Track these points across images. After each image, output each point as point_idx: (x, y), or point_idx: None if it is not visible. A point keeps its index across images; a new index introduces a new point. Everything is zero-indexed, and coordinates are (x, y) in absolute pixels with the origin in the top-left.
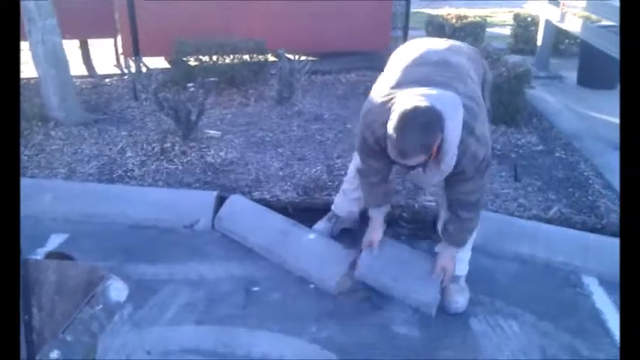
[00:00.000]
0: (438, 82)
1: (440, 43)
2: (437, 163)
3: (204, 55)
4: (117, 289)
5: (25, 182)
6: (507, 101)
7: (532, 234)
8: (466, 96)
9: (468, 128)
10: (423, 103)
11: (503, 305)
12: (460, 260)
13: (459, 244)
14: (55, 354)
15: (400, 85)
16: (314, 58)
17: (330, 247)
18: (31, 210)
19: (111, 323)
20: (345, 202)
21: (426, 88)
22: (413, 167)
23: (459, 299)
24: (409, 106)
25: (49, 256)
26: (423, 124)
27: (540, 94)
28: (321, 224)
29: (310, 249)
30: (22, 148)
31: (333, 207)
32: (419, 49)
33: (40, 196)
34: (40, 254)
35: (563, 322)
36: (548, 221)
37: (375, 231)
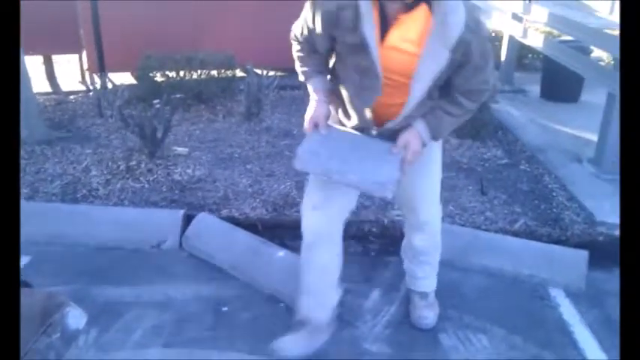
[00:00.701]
0: None
1: None
2: (441, 30)
3: (170, 71)
4: (75, 317)
5: None
6: (472, 115)
7: (499, 247)
8: None
9: (473, 23)
10: None
11: (472, 319)
12: (427, 276)
13: (435, 132)
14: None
15: None
16: (283, 73)
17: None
18: None
19: (68, 352)
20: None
21: None
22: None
23: (429, 315)
24: None
25: None
26: None
27: (505, 108)
28: (290, 342)
29: (280, 266)
30: None
31: (301, 312)
32: None
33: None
34: None
35: (532, 334)
36: (515, 234)
37: (320, 106)
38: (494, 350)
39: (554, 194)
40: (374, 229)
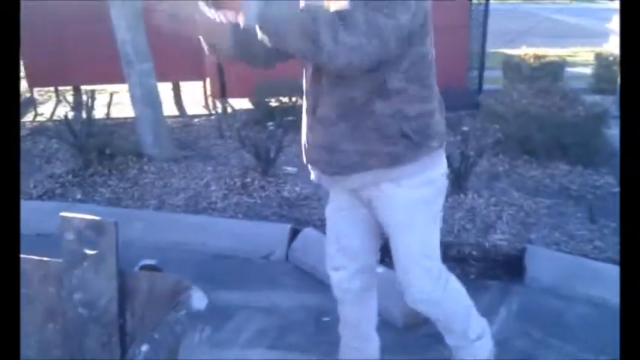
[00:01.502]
0: None
1: None
2: None
3: (284, 96)
4: (198, 298)
5: (119, 212)
6: (584, 141)
7: (606, 276)
8: None
9: None
10: None
11: (575, 350)
12: (461, 351)
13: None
14: (145, 347)
15: None
16: None
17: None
18: (124, 237)
19: (192, 329)
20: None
21: None
22: None
23: None
24: None
25: (143, 268)
26: None
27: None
28: None
29: (378, 282)
30: (117, 181)
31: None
32: None
33: (132, 224)
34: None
35: None
36: None
37: None
38: None
39: None
40: (474, 252)
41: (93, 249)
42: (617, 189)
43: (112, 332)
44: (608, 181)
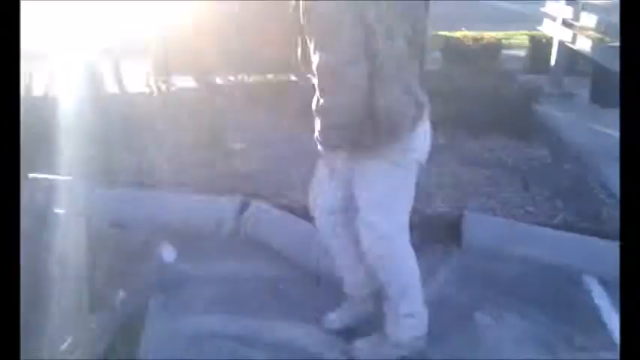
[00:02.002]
0: None
1: None
2: None
3: (229, 74)
4: (168, 251)
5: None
6: (518, 116)
7: (537, 238)
8: None
9: None
10: None
11: (507, 301)
12: (390, 320)
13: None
14: (121, 293)
15: None
16: None
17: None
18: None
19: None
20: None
21: None
22: None
23: (362, 347)
24: None
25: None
26: None
27: (552, 111)
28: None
29: None
30: None
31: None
32: None
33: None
34: None
35: (563, 315)
36: (554, 227)
37: None
38: (526, 329)
39: (594, 191)
40: (416, 219)
41: (61, 208)
42: (549, 160)
43: (81, 287)
44: (541, 153)
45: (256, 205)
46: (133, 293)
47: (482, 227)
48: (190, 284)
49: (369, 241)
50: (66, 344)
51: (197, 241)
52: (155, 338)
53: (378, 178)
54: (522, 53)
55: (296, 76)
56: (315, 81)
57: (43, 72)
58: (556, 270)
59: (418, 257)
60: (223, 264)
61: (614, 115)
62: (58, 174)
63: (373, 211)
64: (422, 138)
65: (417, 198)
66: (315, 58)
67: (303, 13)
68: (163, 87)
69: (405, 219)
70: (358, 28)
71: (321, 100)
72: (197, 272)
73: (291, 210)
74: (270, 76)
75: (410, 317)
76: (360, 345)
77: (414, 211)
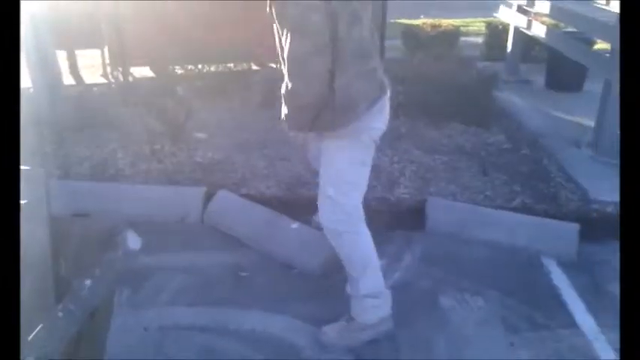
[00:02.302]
0: None
1: None
2: None
3: (189, 64)
4: (133, 239)
5: None
6: (477, 103)
7: (496, 221)
8: None
9: None
10: None
11: (470, 284)
12: (354, 302)
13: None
14: (88, 282)
15: None
16: None
17: (312, 234)
18: None
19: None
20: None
21: None
22: None
23: (330, 333)
24: None
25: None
26: None
27: (509, 97)
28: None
29: (293, 237)
30: None
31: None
32: None
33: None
34: None
35: (524, 297)
36: (513, 210)
37: None
38: (488, 310)
39: (552, 175)
40: (380, 206)
41: (23, 198)
42: (507, 145)
43: (46, 277)
44: (499, 139)
45: (221, 195)
46: (98, 283)
47: (444, 212)
48: (155, 276)
49: (327, 214)
50: (33, 335)
51: (162, 233)
52: (120, 331)
53: (337, 153)
54: (480, 40)
55: (258, 64)
56: (284, 68)
57: None
58: (516, 252)
59: (384, 243)
60: (188, 255)
61: (569, 100)
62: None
63: (331, 185)
64: (380, 117)
65: (380, 185)
66: (285, 47)
67: (273, 6)
68: (121, 77)
69: (360, 196)
70: (323, 16)
71: (289, 85)
72: (162, 264)
73: (256, 199)
74: (231, 65)
75: (373, 298)
76: (328, 330)
77: (379, 198)
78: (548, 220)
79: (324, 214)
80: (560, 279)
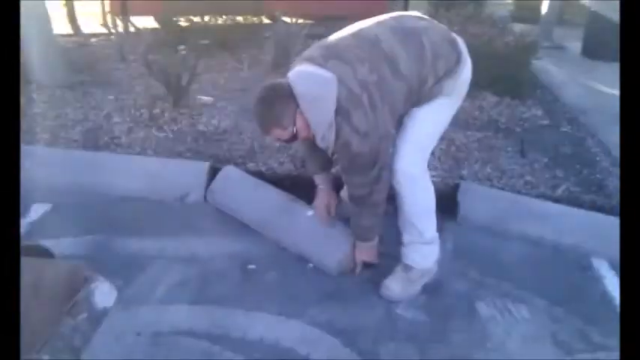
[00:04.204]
0: (336, 56)
1: (397, 21)
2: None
3: (195, 16)
4: (103, 293)
5: None
6: (512, 72)
7: (540, 213)
8: (360, 81)
9: (342, 113)
10: (276, 80)
11: (511, 288)
12: (407, 245)
13: (357, 236)
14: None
15: (303, 57)
16: (311, 22)
17: (331, 225)
18: None
19: (96, 334)
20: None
21: (307, 64)
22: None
23: (393, 287)
24: (265, 83)
25: (25, 250)
26: (264, 98)
27: (544, 65)
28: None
29: (309, 227)
30: None
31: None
32: (370, 20)
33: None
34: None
35: (574, 307)
36: (556, 200)
37: (320, 195)
38: (535, 323)
39: (597, 159)
40: None
41: None
42: (545, 121)
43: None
44: (536, 113)
45: (225, 171)
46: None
47: (479, 200)
48: (149, 267)
49: (409, 157)
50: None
51: (158, 213)
52: (110, 333)
53: (428, 114)
54: None
55: (270, 18)
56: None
57: None
58: (562, 251)
59: None
60: (187, 241)
61: (609, 70)
62: None
63: (418, 131)
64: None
65: None
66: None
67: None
68: (121, 27)
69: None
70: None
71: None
72: (157, 252)
73: (264, 176)
74: (239, 18)
75: (432, 243)
76: (389, 284)
77: None
78: (599, 215)
79: (406, 157)
80: (615, 286)
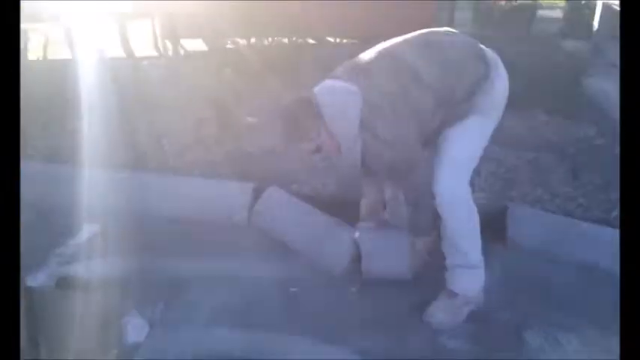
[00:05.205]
0: (360, 71)
1: (422, 35)
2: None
3: (242, 38)
4: (135, 328)
5: (51, 169)
6: (564, 91)
7: (595, 238)
8: (383, 93)
9: (368, 125)
10: (301, 94)
11: (562, 317)
12: (451, 269)
13: (416, 233)
14: None
15: (329, 75)
16: (354, 41)
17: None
18: (55, 202)
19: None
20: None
21: (331, 80)
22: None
23: (438, 315)
24: (291, 97)
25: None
26: (289, 111)
27: (597, 83)
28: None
29: (354, 250)
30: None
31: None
32: (396, 38)
33: (63, 185)
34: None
35: None
36: (611, 224)
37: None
38: (586, 353)
39: None
40: None
41: None
42: (598, 141)
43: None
44: (589, 133)
45: (270, 193)
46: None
47: (530, 224)
48: (194, 287)
49: (454, 181)
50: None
51: (201, 235)
52: (151, 354)
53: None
54: (555, 14)
55: (314, 39)
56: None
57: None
58: (617, 278)
59: None
60: (231, 263)
61: None
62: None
63: (460, 153)
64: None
65: None
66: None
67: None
68: (171, 51)
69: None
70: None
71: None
72: (199, 273)
73: (310, 199)
74: (285, 40)
75: (478, 268)
76: (434, 311)
77: None
78: None
79: (444, 179)
80: None
